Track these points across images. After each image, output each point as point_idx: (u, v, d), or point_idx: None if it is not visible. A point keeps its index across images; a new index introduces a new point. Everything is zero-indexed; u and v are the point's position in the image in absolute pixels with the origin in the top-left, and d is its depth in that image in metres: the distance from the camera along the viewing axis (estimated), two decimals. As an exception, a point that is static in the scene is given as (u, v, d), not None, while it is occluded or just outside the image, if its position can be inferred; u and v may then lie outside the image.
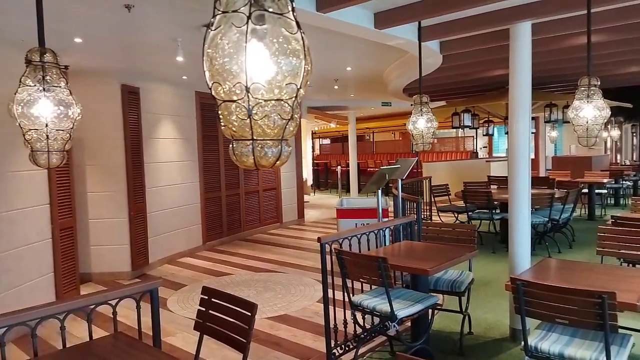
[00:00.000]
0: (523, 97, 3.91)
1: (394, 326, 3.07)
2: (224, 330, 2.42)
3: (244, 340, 2.27)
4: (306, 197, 12.41)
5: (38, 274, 4.70)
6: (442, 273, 3.88)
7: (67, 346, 2.26)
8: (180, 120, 7.36)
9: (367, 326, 3.67)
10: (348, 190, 14.26)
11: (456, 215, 7.81)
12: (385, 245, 4.20)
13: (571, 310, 2.42)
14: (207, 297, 2.59)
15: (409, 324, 3.81)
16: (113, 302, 2.36)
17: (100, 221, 6.18)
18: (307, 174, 15.03)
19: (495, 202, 6.94)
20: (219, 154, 8.19)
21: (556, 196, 6.55)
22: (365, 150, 21.58)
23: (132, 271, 6.21)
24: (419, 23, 4.16)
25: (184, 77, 7.06)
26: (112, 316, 2.36)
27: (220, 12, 0.99)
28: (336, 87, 8.79)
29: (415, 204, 5.50)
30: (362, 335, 3.57)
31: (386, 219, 4.48)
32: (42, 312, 2.16)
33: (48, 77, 1.97)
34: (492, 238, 7.27)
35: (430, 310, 3.43)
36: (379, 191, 4.31)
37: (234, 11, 0.97)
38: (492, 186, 8.63)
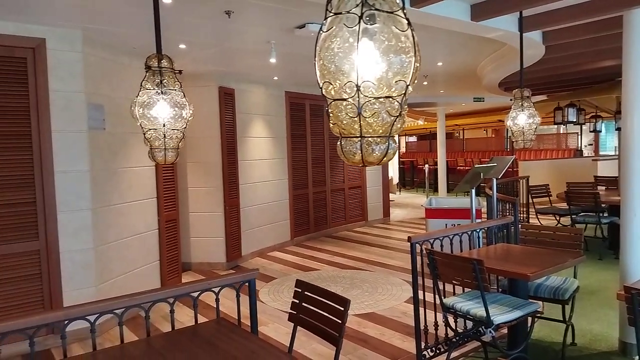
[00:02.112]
0: (638, 89, 3.54)
1: (490, 332, 2.94)
2: (316, 323, 2.48)
3: (337, 334, 2.31)
4: (391, 196, 12.28)
5: (145, 261, 5.16)
6: (544, 279, 3.64)
7: (175, 328, 2.46)
8: (271, 119, 7.64)
9: (459, 330, 3.55)
10: (436, 190, 13.87)
11: (557, 218, 7.27)
12: (478, 247, 4.03)
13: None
14: (300, 290, 2.67)
15: (505, 330, 3.63)
16: (216, 290, 2.53)
17: (199, 214, 6.62)
18: (393, 172, 14.86)
19: (604, 205, 6.36)
20: (307, 151, 8.39)
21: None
22: (454, 148, 20.84)
23: (226, 262, 6.58)
24: (521, 13, 3.93)
25: (275, 78, 7.33)
26: (208, 303, 2.51)
27: (332, 14, 1.01)
28: (425, 83, 8.59)
29: (511, 205, 5.22)
30: (455, 339, 3.47)
31: (479, 220, 4.29)
32: (154, 296, 2.37)
33: (165, 81, 2.16)
34: (599, 244, 6.67)
35: (529, 318, 3.24)
36: (473, 191, 4.14)
37: (345, 12, 0.99)
38: (599, 187, 7.91)
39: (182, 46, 4.86)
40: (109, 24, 4.04)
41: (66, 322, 2.15)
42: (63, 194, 4.13)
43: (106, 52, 4.56)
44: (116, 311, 2.25)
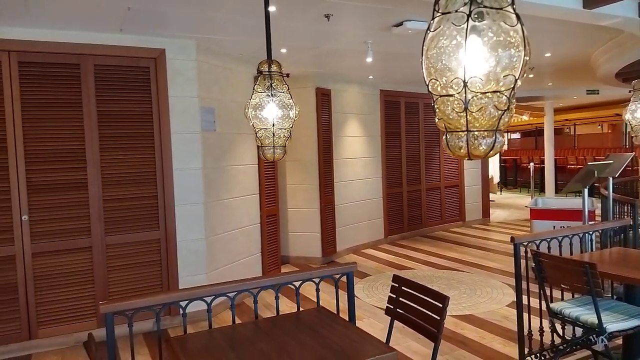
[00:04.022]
0: None
1: (602, 340, 2.74)
2: (414, 318, 2.50)
3: (435, 330, 2.31)
4: (492, 196, 11.71)
5: (248, 253, 5.51)
6: (668, 288, 3.29)
7: (279, 314, 2.64)
8: (365, 118, 7.71)
9: (567, 337, 3.34)
10: (542, 190, 12.98)
11: (686, 222, 6.46)
12: (590, 251, 3.74)
13: None
14: (397, 285, 2.71)
15: (619, 341, 3.34)
16: (316, 280, 2.66)
17: (297, 210, 6.90)
18: (494, 171, 14.14)
19: None
20: (401, 149, 8.33)
21: None
22: (563, 145, 19.25)
23: (322, 257, 6.79)
24: (642, -4, 3.58)
25: (370, 77, 7.38)
26: (304, 295, 2.63)
27: (439, 14, 1.05)
28: (531, 75, 8.08)
29: (629, 207, 4.76)
30: (562, 347, 3.27)
31: (592, 222, 3.98)
32: (262, 283, 2.56)
33: (274, 84, 2.33)
34: None
35: (650, 329, 2.95)
36: (585, 190, 3.85)
37: (454, 11, 1.03)
38: None
39: (283, 50, 5.12)
40: (219, 33, 4.39)
41: (187, 301, 2.41)
42: (180, 189, 4.57)
43: (216, 59, 4.95)
44: (229, 294, 2.47)
